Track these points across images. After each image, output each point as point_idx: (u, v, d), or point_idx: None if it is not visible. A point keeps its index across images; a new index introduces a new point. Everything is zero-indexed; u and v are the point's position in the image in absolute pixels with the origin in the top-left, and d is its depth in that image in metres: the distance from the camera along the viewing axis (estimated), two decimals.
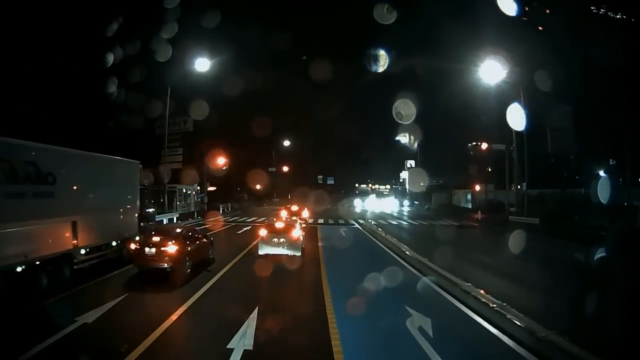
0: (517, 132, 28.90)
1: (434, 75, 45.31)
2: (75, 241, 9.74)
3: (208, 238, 12.60)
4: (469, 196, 49.41)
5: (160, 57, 30.71)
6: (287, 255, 12.38)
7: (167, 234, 10.54)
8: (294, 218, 19.73)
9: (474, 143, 27.25)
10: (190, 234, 11.34)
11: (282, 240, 12.39)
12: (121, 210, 12.22)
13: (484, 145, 27.39)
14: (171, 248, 9.87)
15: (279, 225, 13.06)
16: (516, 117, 27.54)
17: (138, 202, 13.05)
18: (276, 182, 60.79)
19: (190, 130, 37.98)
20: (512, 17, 30.01)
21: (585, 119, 32.12)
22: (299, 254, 12.52)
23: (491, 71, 28.55)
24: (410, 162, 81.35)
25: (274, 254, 12.43)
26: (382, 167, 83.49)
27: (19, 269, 8.03)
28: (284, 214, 21.33)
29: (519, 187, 32.25)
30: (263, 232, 12.78)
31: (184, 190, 33.49)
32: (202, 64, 26.63)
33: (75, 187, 9.98)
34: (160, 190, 28.55)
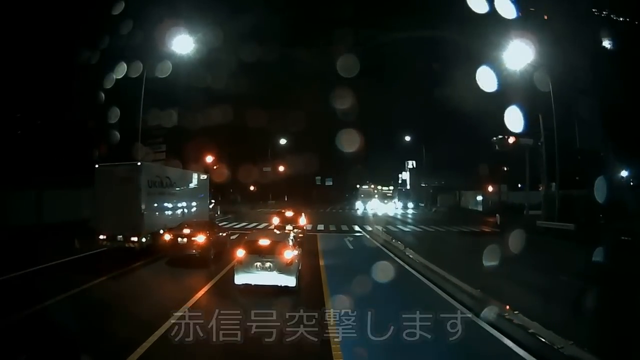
0: (545, 125, 25.28)
1: (442, 69, 41.88)
2: (182, 220, 15.43)
3: (226, 231, 15.98)
4: (479, 198, 45.97)
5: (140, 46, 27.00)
6: (275, 286, 8.62)
7: (195, 227, 12.77)
8: (289, 227, 16.00)
9: (500, 136, 23.54)
10: (213, 227, 14.01)
11: (268, 264, 8.64)
12: (200, 203, 19.55)
13: (511, 139, 23.67)
14: (200, 238, 12.24)
15: (264, 242, 9.22)
16: (515, 118, 24.62)
17: (208, 199, 21.93)
18: (272, 183, 56.98)
19: (175, 124, 34.01)
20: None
21: (617, 113, 28.62)
22: (293, 284, 8.75)
23: (512, 59, 24.87)
24: (412, 163, 77.92)
25: (257, 285, 8.67)
26: (382, 168, 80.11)
27: (160, 232, 13.98)
28: (275, 220, 17.36)
29: (541, 187, 28.69)
30: (241, 253, 9.01)
31: None
32: (183, 44, 22.75)
33: (183, 190, 17.34)
34: None
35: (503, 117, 29.50)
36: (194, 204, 18.63)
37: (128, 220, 13.42)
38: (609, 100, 28.38)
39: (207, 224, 14.30)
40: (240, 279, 8.79)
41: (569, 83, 27.86)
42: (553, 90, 26.86)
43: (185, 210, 17.43)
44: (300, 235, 16.19)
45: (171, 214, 15.91)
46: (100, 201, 14.08)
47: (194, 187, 19.15)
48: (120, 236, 13.42)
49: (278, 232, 11.23)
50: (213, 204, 24.71)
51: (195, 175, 20.00)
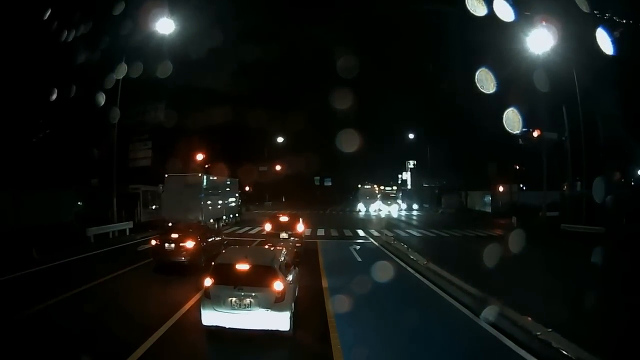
0: (570, 119, 22.82)
1: (445, 66, 39.57)
2: (223, 213, 24.15)
3: (220, 234, 14.72)
4: (488, 198, 43.44)
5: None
6: (261, 330, 5.96)
7: (184, 231, 11.79)
8: (284, 235, 13.39)
9: (524, 129, 21.04)
10: (205, 231, 12.94)
11: (248, 300, 5.97)
12: (233, 199, 27.32)
13: (536, 133, 21.19)
14: (189, 244, 11.30)
15: (242, 266, 6.36)
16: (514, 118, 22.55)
17: (238, 197, 29.31)
18: (269, 184, 54.34)
19: (162, 120, 31.22)
20: None
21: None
22: (287, 326, 6.07)
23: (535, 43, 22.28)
24: (413, 162, 75.41)
25: (232, 328, 6.00)
26: (382, 168, 77.80)
27: (211, 220, 20.98)
28: (268, 227, 14.63)
29: (565, 187, 26.20)
30: (208, 282, 6.30)
31: (151, 193, 26.81)
32: (165, 25, 20.17)
33: (223, 191, 24.88)
34: (121, 193, 22.22)
35: (512, 113, 27.32)
36: (228, 200, 26.13)
37: (191, 212, 19.51)
38: (633, 93, 25.99)
39: (198, 227, 13.47)
40: (208, 318, 6.09)
41: (592, 75, 25.38)
42: (565, 83, 24.38)
43: (224, 205, 24.63)
44: (297, 244, 13.59)
45: (217, 207, 23.02)
46: (168, 199, 20.70)
47: (229, 188, 26.75)
48: None
49: (265, 248, 8.45)
50: (240, 201, 31.37)
51: (230, 180, 27.83)
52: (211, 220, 21.33)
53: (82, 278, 9.96)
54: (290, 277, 6.85)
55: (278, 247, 7.90)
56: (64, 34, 22.87)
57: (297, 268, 7.91)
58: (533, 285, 9.32)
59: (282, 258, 7.01)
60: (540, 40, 21.90)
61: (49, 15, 21.74)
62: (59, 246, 14.28)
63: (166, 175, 21.72)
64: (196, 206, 20.11)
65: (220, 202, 23.70)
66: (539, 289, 8.87)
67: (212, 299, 6.03)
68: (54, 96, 23.28)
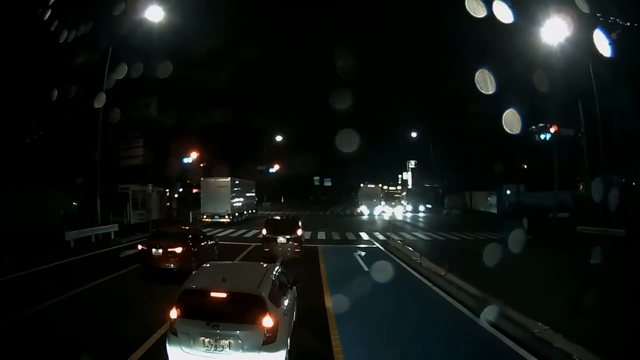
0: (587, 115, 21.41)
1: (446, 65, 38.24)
2: (245, 208, 29.89)
3: (214, 238, 13.73)
4: (493, 199, 42.04)
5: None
6: None
7: (174, 236, 11.06)
8: (282, 239, 11.97)
9: (541, 124, 19.67)
10: (196, 235, 11.97)
11: (226, 341, 4.46)
12: (251, 198, 32.88)
13: (553, 128, 19.82)
14: (178, 249, 10.37)
15: (218, 294, 4.72)
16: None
17: (255, 196, 34.88)
18: (267, 184, 52.88)
19: (154, 115, 29.73)
20: None
21: None
22: None
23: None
24: (413, 162, 74.15)
25: None
26: (382, 168, 76.70)
27: (236, 214, 27.30)
28: (265, 230, 13.07)
29: (580, 187, 24.77)
30: (174, 314, 4.73)
31: (142, 193, 25.35)
32: (155, 13, 18.75)
33: (244, 191, 30.22)
34: (109, 193, 20.91)
35: (511, 114, 26.07)
36: (248, 198, 31.23)
37: (222, 207, 25.66)
38: None
39: (189, 231, 12.50)
40: (176, 359, 4.62)
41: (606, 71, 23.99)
42: (571, 80, 22.98)
43: (245, 202, 29.94)
44: (297, 249, 12.22)
45: (240, 204, 28.34)
46: (204, 197, 26.41)
47: (249, 189, 31.93)
48: (217, 216, 25.52)
49: (253, 265, 6.74)
50: (257, 200, 35.96)
51: (249, 182, 32.69)
52: (236, 214, 26.85)
53: (45, 291, 8.58)
54: (285, 303, 5.36)
55: (271, 264, 6.23)
56: (57, 32, 21.65)
57: (294, 287, 6.40)
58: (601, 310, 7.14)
59: (274, 277, 5.44)
60: (546, 38, 20.48)
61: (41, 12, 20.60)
62: (36, 251, 13.03)
63: (202, 179, 28.29)
64: (226, 203, 25.71)
65: (242, 199, 29.23)
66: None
67: (180, 336, 4.55)
68: (44, 94, 22.07)
